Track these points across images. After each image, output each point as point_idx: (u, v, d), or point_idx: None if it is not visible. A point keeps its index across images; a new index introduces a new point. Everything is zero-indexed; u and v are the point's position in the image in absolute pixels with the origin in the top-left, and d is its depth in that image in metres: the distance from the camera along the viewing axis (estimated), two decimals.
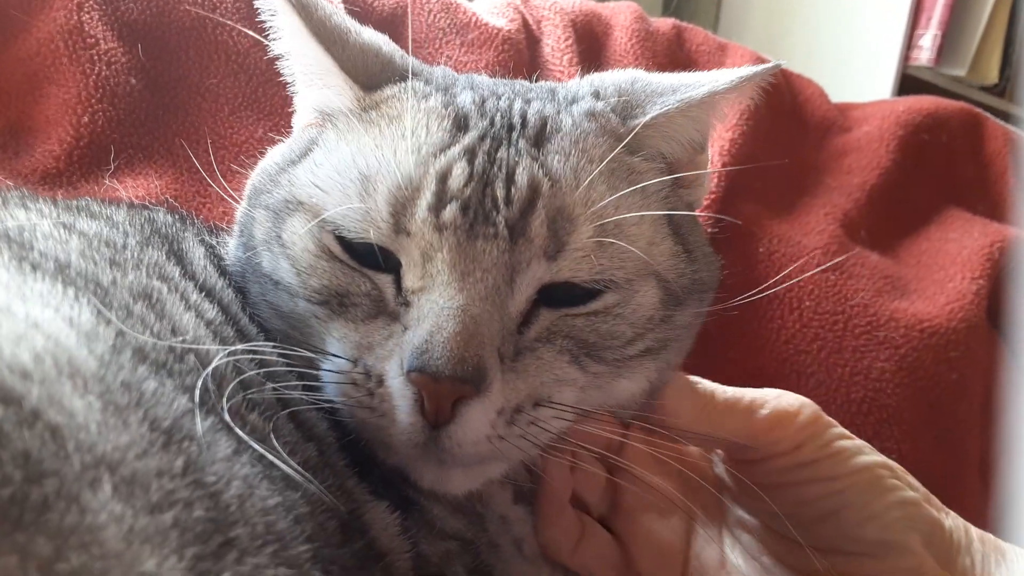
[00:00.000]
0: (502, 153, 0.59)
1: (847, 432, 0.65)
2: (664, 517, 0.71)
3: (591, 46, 1.31)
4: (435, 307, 0.54)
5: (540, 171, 0.59)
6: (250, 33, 0.72)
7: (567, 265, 0.58)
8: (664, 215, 0.63)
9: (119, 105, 0.96)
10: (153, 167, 0.95)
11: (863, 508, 0.61)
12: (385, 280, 0.58)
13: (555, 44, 1.27)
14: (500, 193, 0.57)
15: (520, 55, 1.23)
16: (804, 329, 1.01)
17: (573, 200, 0.58)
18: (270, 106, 1.05)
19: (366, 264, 0.59)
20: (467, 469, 0.59)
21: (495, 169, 0.58)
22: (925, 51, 2.52)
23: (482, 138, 0.60)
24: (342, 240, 0.59)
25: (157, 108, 0.99)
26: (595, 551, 0.69)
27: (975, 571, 0.60)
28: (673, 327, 0.64)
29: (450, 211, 0.56)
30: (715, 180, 1.10)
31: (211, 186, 0.96)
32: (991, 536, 0.64)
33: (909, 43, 2.55)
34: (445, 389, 0.53)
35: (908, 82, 2.55)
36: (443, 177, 0.57)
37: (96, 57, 0.96)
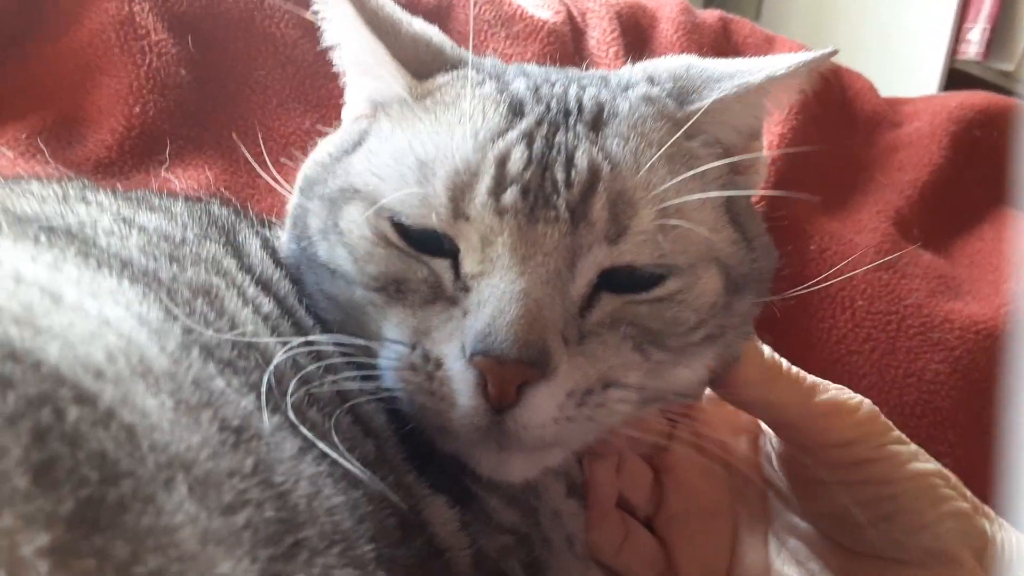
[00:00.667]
0: (560, 137, 0.59)
1: (904, 437, 0.64)
2: (709, 521, 0.70)
3: (636, 38, 1.30)
4: (496, 291, 0.54)
5: (600, 154, 0.58)
6: (305, 15, 0.72)
7: (628, 249, 0.57)
8: (723, 204, 0.63)
9: (169, 96, 0.96)
10: (203, 158, 0.95)
11: (917, 516, 0.60)
12: (443, 266, 0.58)
13: (600, 36, 1.26)
14: (560, 176, 0.57)
15: (565, 47, 1.22)
16: (856, 329, 0.99)
17: (634, 183, 0.57)
18: (317, 98, 1.05)
19: (423, 250, 0.59)
20: (528, 455, 0.58)
21: (554, 153, 0.58)
22: (973, 45, 2.46)
23: (539, 123, 0.60)
24: (399, 227, 0.59)
25: (206, 99, 1.00)
26: (638, 554, 0.69)
27: None
28: (732, 315, 0.63)
29: (510, 195, 0.56)
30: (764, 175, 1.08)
31: (260, 178, 0.96)
32: None
33: (957, 37, 2.50)
34: (510, 372, 0.52)
35: (955, 76, 2.49)
36: (502, 161, 0.57)
37: (147, 48, 0.96)
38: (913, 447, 0.63)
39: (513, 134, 0.58)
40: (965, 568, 0.59)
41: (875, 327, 1.00)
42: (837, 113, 1.27)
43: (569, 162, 0.57)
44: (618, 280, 0.58)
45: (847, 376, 0.97)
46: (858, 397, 0.64)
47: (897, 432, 0.64)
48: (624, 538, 0.68)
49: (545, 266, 0.55)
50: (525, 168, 0.57)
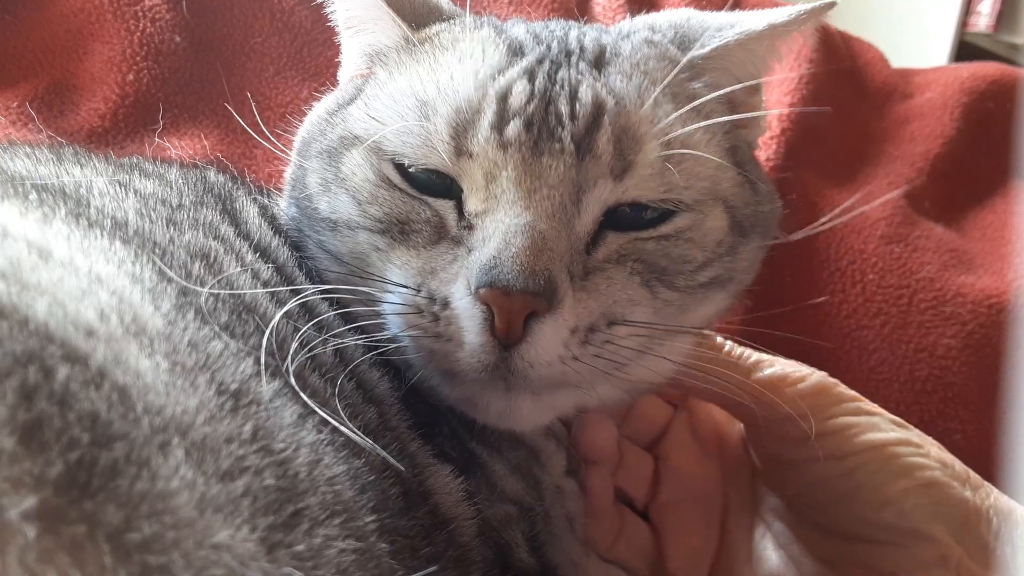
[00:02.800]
0: (563, 74, 0.59)
1: (865, 407, 0.61)
2: (700, 506, 0.69)
3: (643, 4, 1.27)
4: (501, 225, 0.54)
5: (603, 90, 0.58)
6: None
7: (634, 184, 0.56)
8: (727, 150, 0.62)
9: (164, 63, 0.94)
10: (198, 127, 0.93)
11: (877, 491, 0.57)
12: (446, 206, 0.58)
13: (606, 3, 1.24)
14: (564, 109, 0.56)
15: (570, 13, 1.20)
16: (867, 304, 0.97)
17: (639, 118, 0.57)
18: (315, 67, 1.03)
19: (426, 191, 0.58)
20: (536, 398, 0.57)
21: (557, 88, 0.58)
22: (984, 17, 2.44)
23: (540, 61, 0.60)
24: (401, 168, 0.59)
25: (202, 67, 0.97)
26: (631, 546, 0.68)
27: (1016, 559, 0.55)
28: (737, 259, 0.62)
29: (513, 128, 0.55)
30: (774, 146, 1.06)
31: (257, 148, 0.94)
32: None
33: (967, 9, 2.46)
34: (517, 303, 0.52)
35: (965, 49, 2.46)
36: (503, 96, 0.57)
37: (141, 13, 0.94)
38: (875, 418, 0.60)
39: (514, 71, 0.58)
40: (938, 545, 0.55)
41: (886, 301, 0.98)
42: (847, 83, 1.25)
43: (573, 96, 0.57)
44: (624, 219, 0.57)
45: (857, 351, 0.95)
46: (806, 370, 0.62)
47: (855, 404, 0.61)
48: (619, 532, 0.67)
49: (550, 199, 0.54)
50: (528, 102, 0.56)
